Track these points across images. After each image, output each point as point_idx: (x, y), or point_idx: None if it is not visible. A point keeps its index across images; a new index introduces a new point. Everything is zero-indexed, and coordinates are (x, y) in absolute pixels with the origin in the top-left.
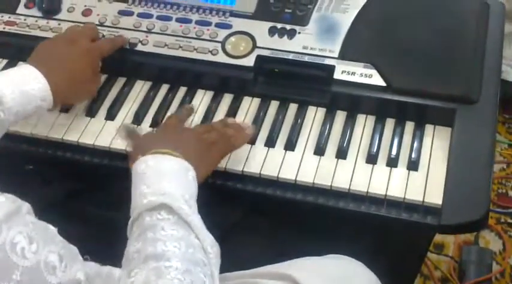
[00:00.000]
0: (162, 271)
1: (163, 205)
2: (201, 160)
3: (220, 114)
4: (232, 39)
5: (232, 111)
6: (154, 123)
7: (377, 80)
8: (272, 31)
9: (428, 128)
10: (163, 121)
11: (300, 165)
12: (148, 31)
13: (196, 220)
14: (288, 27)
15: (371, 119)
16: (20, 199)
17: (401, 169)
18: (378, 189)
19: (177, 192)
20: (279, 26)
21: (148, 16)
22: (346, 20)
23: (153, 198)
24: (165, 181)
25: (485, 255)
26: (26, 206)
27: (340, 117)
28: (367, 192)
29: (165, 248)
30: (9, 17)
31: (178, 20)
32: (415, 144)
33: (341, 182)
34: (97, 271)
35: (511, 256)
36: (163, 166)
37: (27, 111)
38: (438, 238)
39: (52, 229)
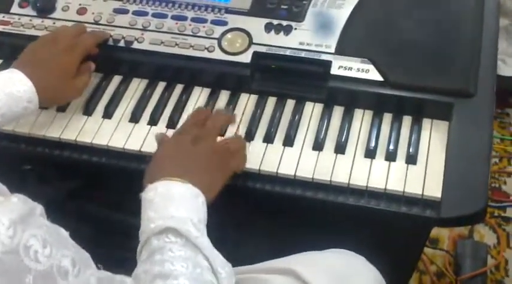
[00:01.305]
0: None
1: (170, 228)
2: (212, 180)
3: None
4: (229, 35)
5: (230, 108)
6: (152, 121)
7: (374, 75)
8: (268, 27)
9: (426, 122)
10: (179, 129)
11: (298, 161)
12: (144, 29)
13: (205, 242)
14: (284, 23)
15: (368, 114)
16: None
17: (399, 163)
18: (377, 183)
19: (185, 216)
20: (275, 22)
21: (144, 14)
22: (342, 15)
23: (160, 222)
24: (172, 207)
25: (480, 249)
26: (39, 208)
27: (338, 112)
28: (367, 186)
29: (172, 267)
30: (3, 17)
31: (173, 18)
32: (413, 138)
33: (340, 177)
34: (110, 278)
35: (505, 249)
36: (172, 193)
37: (14, 113)
38: (433, 232)
39: (64, 233)
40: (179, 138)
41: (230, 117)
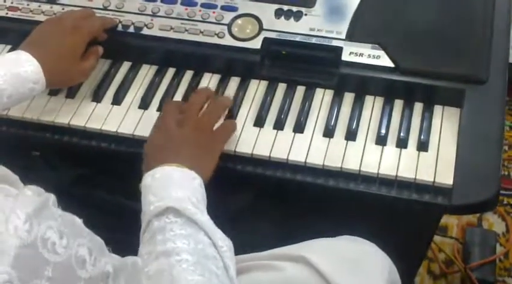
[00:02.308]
0: (174, 264)
1: (169, 208)
2: (204, 158)
3: None
4: (239, 21)
5: (240, 95)
6: (162, 108)
7: (385, 61)
8: (278, 13)
9: (437, 109)
10: (160, 114)
11: (309, 147)
12: (154, 14)
13: (204, 218)
14: (295, 9)
15: (379, 100)
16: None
17: (411, 149)
18: (388, 169)
19: (183, 196)
20: (285, 8)
21: None
22: (352, 1)
23: (160, 203)
24: (171, 189)
25: (489, 237)
26: (52, 198)
27: (349, 98)
28: (378, 173)
29: (174, 245)
30: (12, 2)
31: (183, 3)
32: (424, 125)
33: (351, 164)
34: (122, 263)
35: None
36: (169, 178)
37: (21, 94)
38: (441, 220)
39: (79, 221)
40: (163, 123)
41: (208, 92)
